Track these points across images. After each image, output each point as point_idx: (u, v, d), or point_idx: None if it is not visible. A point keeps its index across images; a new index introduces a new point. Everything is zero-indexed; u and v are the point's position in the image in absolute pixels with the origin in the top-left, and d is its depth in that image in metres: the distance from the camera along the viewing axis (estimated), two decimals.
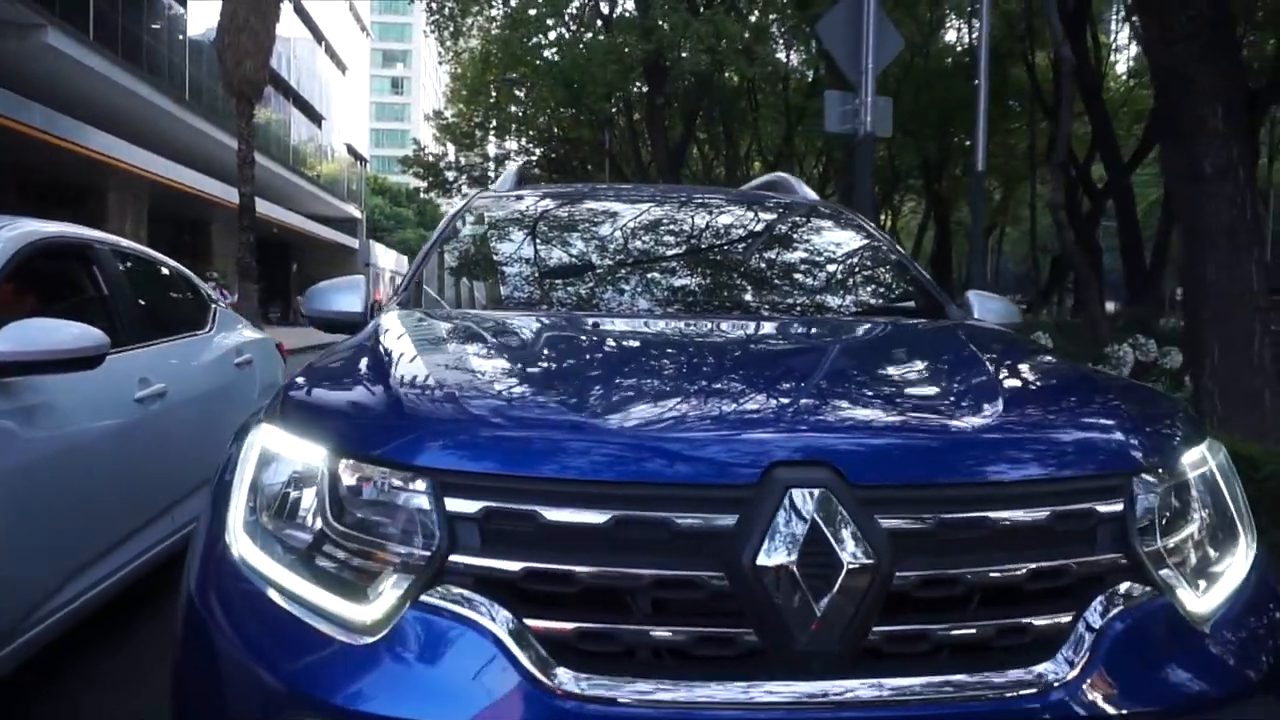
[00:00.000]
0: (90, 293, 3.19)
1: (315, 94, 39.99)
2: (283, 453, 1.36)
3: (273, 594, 1.25)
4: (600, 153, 26.73)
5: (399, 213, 64.64)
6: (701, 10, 18.22)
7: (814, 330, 2.09)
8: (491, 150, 30.18)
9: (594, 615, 1.16)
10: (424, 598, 1.18)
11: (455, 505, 1.20)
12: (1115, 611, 1.21)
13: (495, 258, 2.67)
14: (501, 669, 1.12)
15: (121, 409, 2.87)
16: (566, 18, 21.26)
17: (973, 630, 1.19)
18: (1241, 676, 1.25)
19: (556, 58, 20.51)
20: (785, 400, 1.41)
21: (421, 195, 44.03)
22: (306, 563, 1.27)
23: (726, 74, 20.30)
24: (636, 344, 1.87)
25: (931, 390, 1.58)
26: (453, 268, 2.65)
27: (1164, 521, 1.31)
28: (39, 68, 17.55)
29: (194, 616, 1.32)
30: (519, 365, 1.57)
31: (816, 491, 1.16)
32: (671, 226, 2.81)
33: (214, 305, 4.23)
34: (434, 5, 20.85)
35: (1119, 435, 1.36)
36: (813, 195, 3.27)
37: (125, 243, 3.66)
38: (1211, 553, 1.37)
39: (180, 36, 25.41)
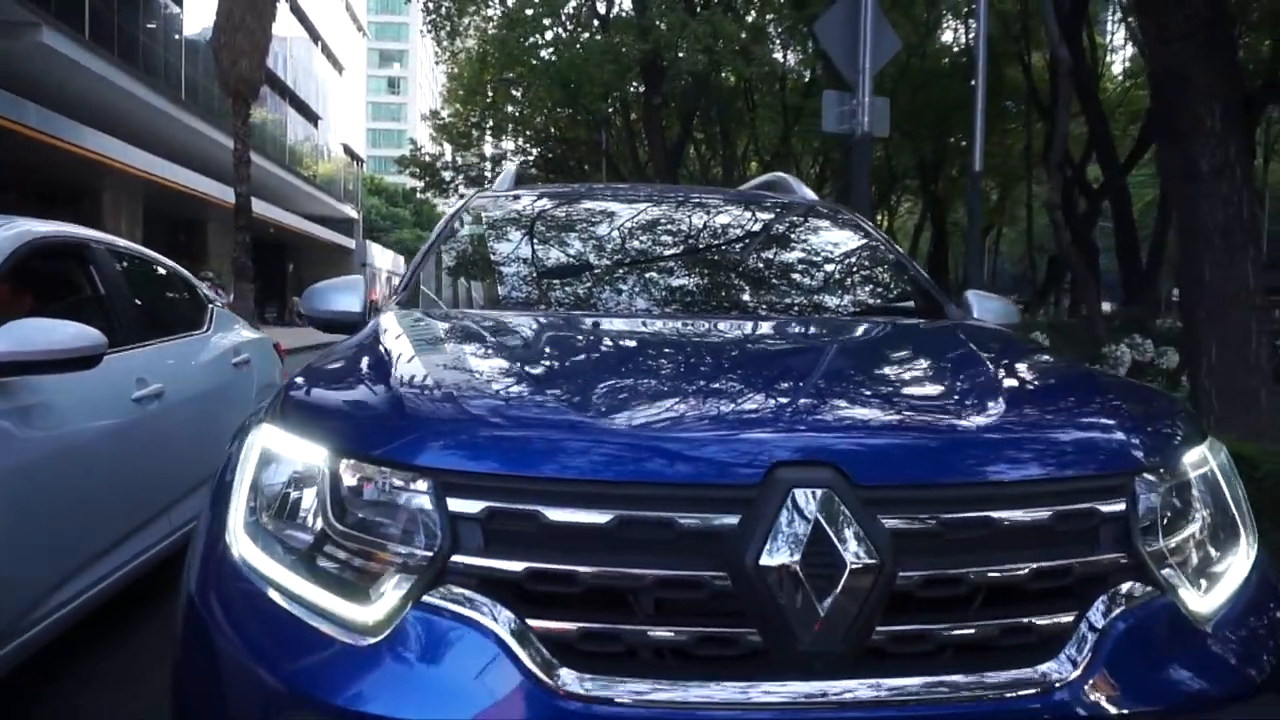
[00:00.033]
0: (87, 292, 3.18)
1: (312, 94, 39.94)
2: (283, 453, 1.36)
3: (273, 594, 1.25)
4: (597, 153, 26.74)
5: (395, 213, 64.61)
6: (699, 10, 18.23)
7: (815, 330, 2.08)
8: (488, 150, 30.18)
9: (597, 615, 1.16)
10: (426, 598, 1.17)
11: (457, 505, 1.19)
12: (1118, 611, 1.21)
13: (495, 257, 2.67)
14: (504, 670, 1.11)
15: (119, 409, 2.86)
16: (563, 17, 21.27)
17: (976, 630, 1.18)
18: (1244, 676, 1.25)
19: (553, 58, 20.51)
20: (787, 400, 1.40)
21: (418, 195, 44.03)
22: (307, 563, 1.27)
23: (723, 74, 20.32)
24: (639, 344, 1.86)
25: (934, 390, 1.58)
26: (452, 267, 2.65)
27: (1166, 521, 1.31)
28: (34, 67, 17.51)
29: (194, 617, 1.32)
30: (520, 365, 1.57)
31: (819, 491, 1.15)
32: (671, 226, 2.81)
33: (211, 305, 4.22)
34: (430, 5, 20.84)
35: (1121, 435, 1.36)
36: (811, 195, 3.27)
37: (122, 242, 3.65)
38: (1213, 552, 1.37)
39: (176, 36, 25.37)
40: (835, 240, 2.82)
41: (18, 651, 2.29)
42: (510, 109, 26.29)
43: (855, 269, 2.72)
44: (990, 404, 1.40)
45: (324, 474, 1.29)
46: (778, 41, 22.18)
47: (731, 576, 1.14)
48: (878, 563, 1.13)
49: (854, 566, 1.13)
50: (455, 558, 1.18)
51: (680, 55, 17.49)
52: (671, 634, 1.15)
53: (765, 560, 1.12)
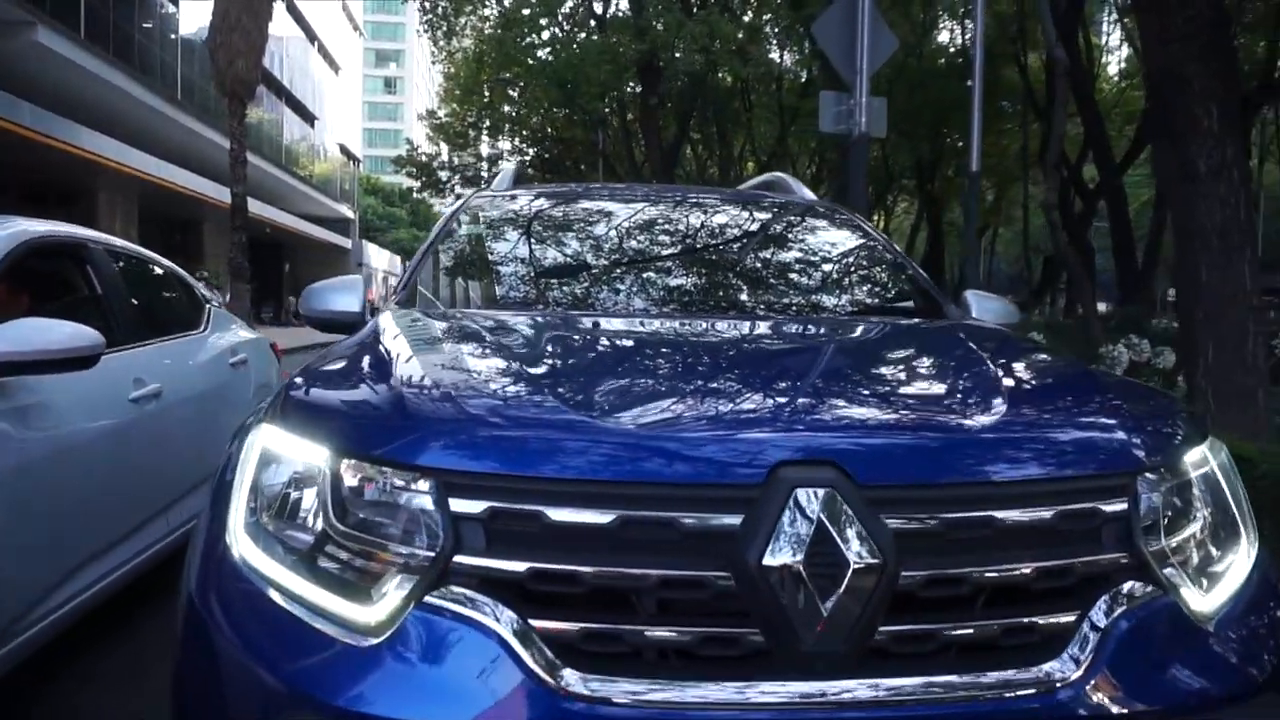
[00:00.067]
0: (84, 292, 3.18)
1: (308, 93, 39.90)
2: (284, 453, 1.35)
3: (274, 595, 1.24)
4: (594, 153, 26.72)
5: (392, 213, 64.53)
6: (695, 10, 18.23)
7: (816, 330, 2.08)
8: (485, 150, 30.13)
9: (599, 616, 1.16)
10: (428, 598, 1.17)
11: (460, 505, 1.19)
12: (1120, 611, 1.21)
13: (494, 257, 2.66)
14: (507, 670, 1.11)
15: (116, 409, 2.85)
16: (560, 17, 21.25)
17: (979, 630, 1.18)
18: (1245, 675, 1.25)
19: (550, 58, 20.50)
20: (789, 400, 1.40)
21: (414, 195, 43.97)
22: (308, 563, 1.26)
23: (720, 74, 20.33)
24: (641, 344, 1.86)
25: (936, 390, 1.58)
26: (451, 267, 2.65)
27: (1167, 521, 1.31)
28: (29, 66, 17.47)
29: (194, 617, 1.31)
30: (522, 365, 1.56)
31: (822, 491, 1.15)
32: (671, 226, 2.81)
33: (208, 305, 4.21)
34: (427, 5, 20.81)
35: (1122, 434, 1.36)
36: (810, 195, 3.27)
37: (119, 242, 3.64)
38: (1214, 552, 1.37)
39: (172, 35, 25.33)
40: (834, 240, 2.82)
41: (17, 651, 2.29)
42: (507, 109, 26.26)
43: (855, 269, 2.72)
44: (992, 404, 1.40)
45: (325, 474, 1.28)
46: (774, 42, 22.20)
47: (734, 576, 1.14)
48: (880, 562, 1.13)
49: (857, 566, 1.12)
50: (457, 558, 1.18)
51: (677, 55, 17.49)
52: (674, 634, 1.15)
53: (768, 560, 1.12)
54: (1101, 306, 16.84)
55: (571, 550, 1.16)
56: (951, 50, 24.17)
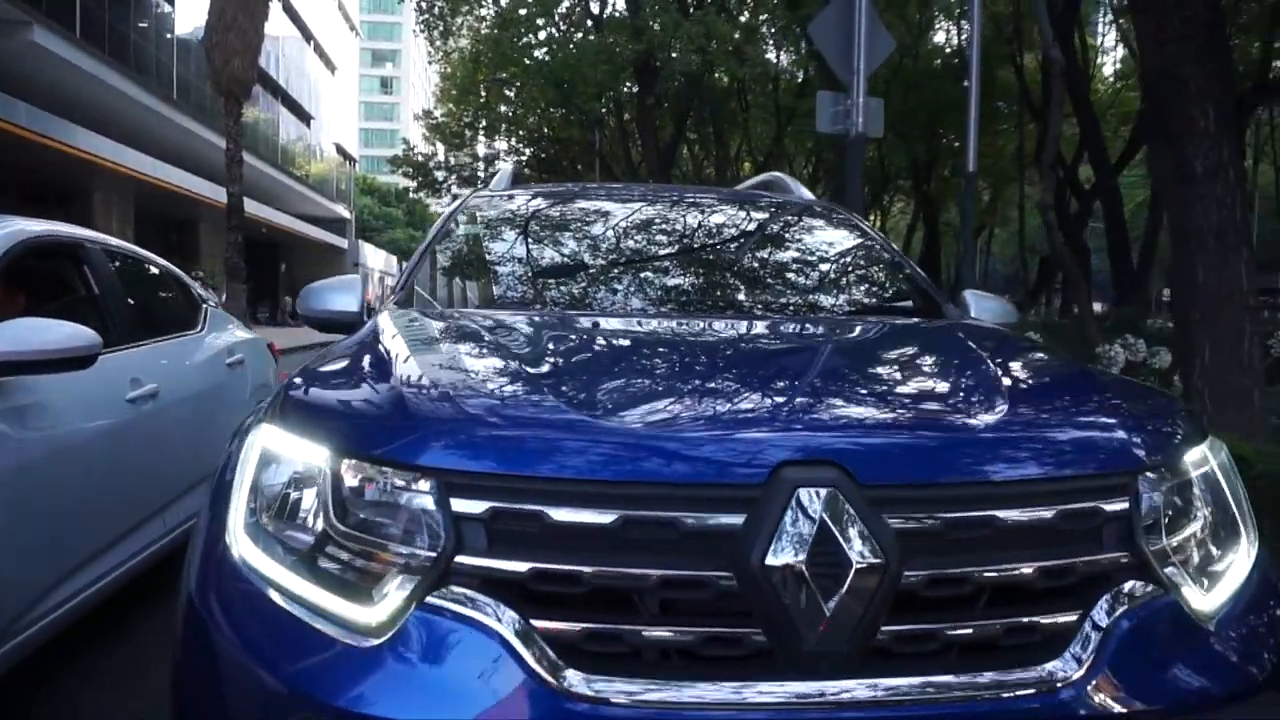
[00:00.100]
0: (81, 292, 3.17)
1: (304, 93, 39.84)
2: (284, 453, 1.35)
3: (274, 595, 1.24)
4: (590, 153, 26.70)
5: (388, 213, 64.45)
6: (692, 11, 18.24)
7: (817, 330, 2.08)
8: (481, 150, 30.10)
9: (602, 616, 1.15)
10: (429, 599, 1.16)
11: (461, 505, 1.19)
12: (1121, 610, 1.22)
13: (494, 257, 2.66)
14: (509, 671, 1.11)
15: (113, 409, 2.85)
16: (556, 17, 21.23)
17: (981, 630, 1.18)
18: (1246, 674, 1.25)
19: (546, 58, 20.48)
20: (791, 400, 1.40)
21: (411, 195, 43.87)
22: (309, 564, 1.26)
23: (717, 74, 20.32)
24: (643, 344, 1.85)
25: (937, 390, 1.58)
26: (450, 267, 2.64)
27: (1168, 520, 1.32)
28: (25, 66, 17.43)
29: (194, 617, 1.31)
30: (523, 365, 1.56)
31: (824, 491, 1.15)
32: (671, 226, 2.80)
33: (205, 305, 4.20)
34: (423, 5, 20.80)
35: (1123, 434, 1.36)
36: (808, 195, 3.27)
37: (115, 241, 3.63)
38: (1214, 551, 1.38)
39: (168, 35, 25.28)
40: (834, 240, 2.82)
41: (15, 652, 2.28)
42: (503, 109, 26.23)
43: (854, 268, 2.72)
44: (993, 403, 1.40)
45: (325, 474, 1.28)
46: (771, 42, 22.21)
47: (736, 576, 1.14)
48: (883, 562, 1.13)
49: (859, 566, 1.12)
50: (459, 558, 1.17)
51: (674, 56, 17.49)
52: (677, 634, 1.15)
53: (770, 560, 1.12)
54: (1097, 307, 16.89)
55: (573, 550, 1.16)
56: (947, 51, 24.20)
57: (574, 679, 1.11)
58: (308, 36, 40.45)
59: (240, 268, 17.78)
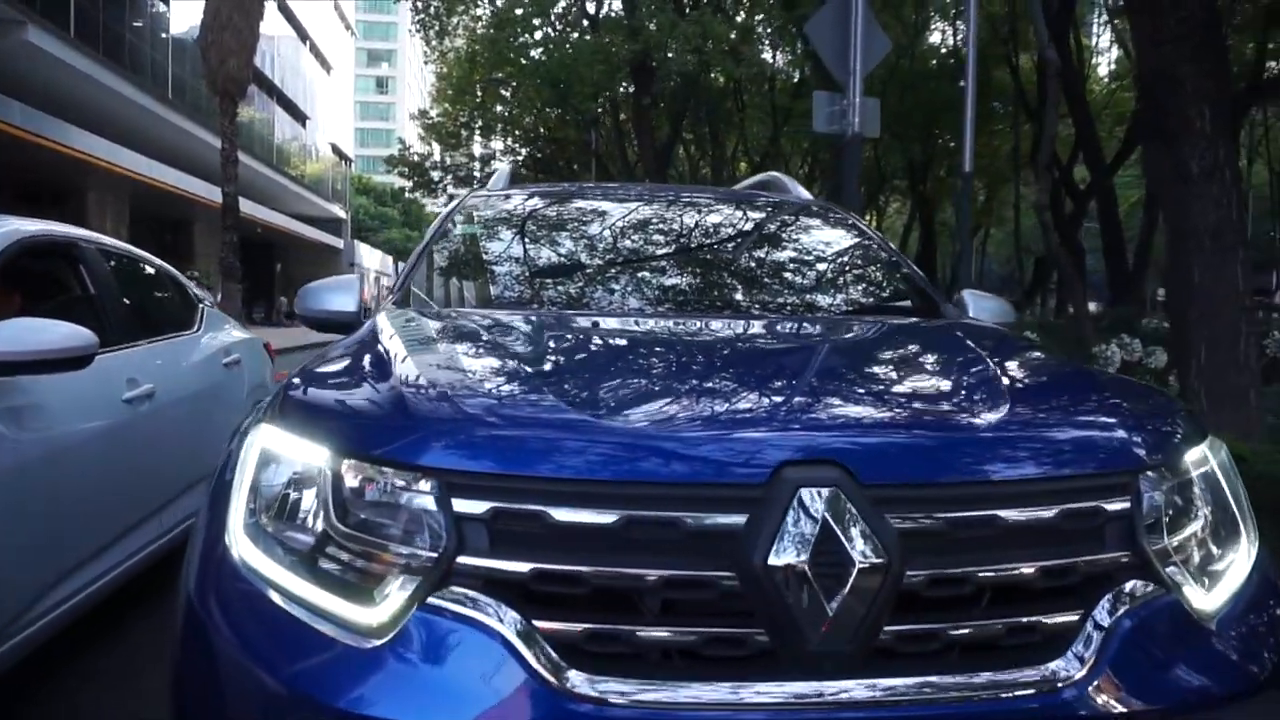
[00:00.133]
0: (77, 292, 3.16)
1: (299, 93, 39.78)
2: (283, 453, 1.34)
3: (274, 596, 1.23)
4: (586, 153, 26.71)
5: (384, 213, 64.37)
6: (688, 11, 18.25)
7: (817, 329, 2.08)
8: (477, 150, 30.08)
9: (604, 616, 1.15)
10: (431, 600, 1.16)
11: (462, 506, 1.18)
12: (1123, 610, 1.22)
13: (493, 257, 2.65)
14: (511, 672, 1.10)
15: (110, 410, 2.83)
16: (552, 17, 21.23)
17: (983, 629, 1.18)
18: (1248, 673, 1.26)
19: (543, 57, 20.48)
20: (792, 399, 1.40)
21: (406, 195, 43.84)
22: (309, 565, 1.25)
23: (713, 74, 20.34)
24: (644, 344, 1.85)
25: (938, 389, 1.58)
26: (449, 267, 2.64)
27: (1169, 519, 1.32)
28: (19, 65, 17.37)
29: (193, 618, 1.30)
30: (524, 365, 1.55)
31: (826, 491, 1.15)
32: (671, 226, 2.80)
33: (201, 305, 4.19)
34: (419, 5, 20.77)
35: (1124, 433, 1.36)
36: (806, 194, 3.27)
37: (111, 241, 3.62)
38: (1215, 550, 1.38)
39: (163, 34, 25.23)
40: (833, 239, 2.82)
41: (13, 652, 2.27)
42: (499, 109, 26.23)
43: (853, 268, 2.72)
44: (995, 403, 1.40)
45: (325, 474, 1.27)
46: (767, 42, 22.23)
47: (739, 577, 1.14)
48: (885, 562, 1.13)
49: (862, 566, 1.12)
50: (461, 559, 1.17)
51: (670, 55, 17.50)
52: (679, 635, 1.15)
53: (773, 560, 1.12)
54: (1092, 307, 16.92)
55: (575, 550, 1.16)
56: (943, 51, 24.24)
57: (576, 679, 1.11)
58: (303, 36, 40.39)
59: (235, 268, 17.75)
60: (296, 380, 1.53)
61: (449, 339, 1.82)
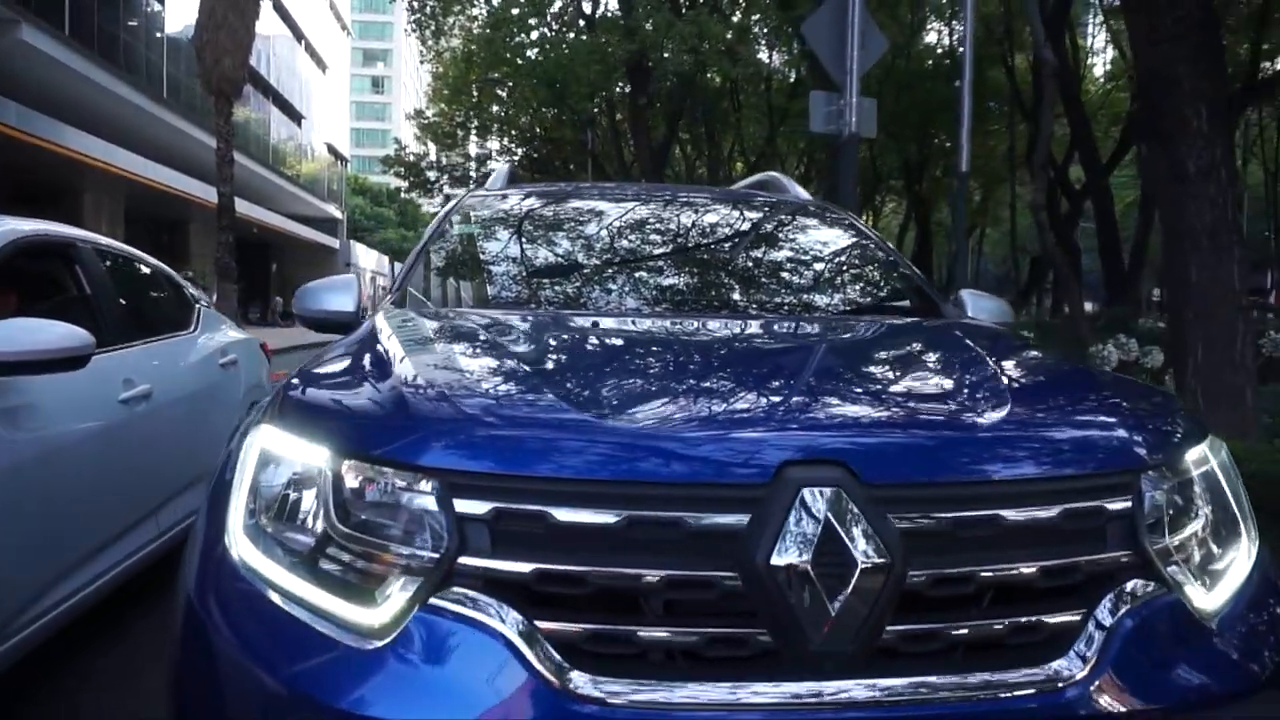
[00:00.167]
0: (73, 292, 3.15)
1: (295, 92, 39.71)
2: (283, 454, 1.34)
3: (274, 597, 1.23)
4: (583, 153, 26.69)
5: (380, 213, 64.31)
6: (684, 10, 18.25)
7: (818, 329, 2.08)
8: (473, 150, 30.07)
9: (606, 617, 1.15)
10: (432, 600, 1.16)
11: (464, 506, 1.18)
12: (1125, 609, 1.21)
13: (493, 256, 2.64)
14: (513, 672, 1.10)
15: (106, 410, 2.82)
16: (549, 17, 21.22)
17: (986, 629, 1.18)
18: (1249, 673, 1.26)
19: (539, 57, 20.47)
20: (794, 399, 1.40)
21: (403, 195, 43.82)
22: (309, 565, 1.25)
23: (709, 74, 20.35)
24: (647, 344, 1.85)
25: (940, 389, 1.58)
26: (448, 267, 2.63)
27: (1170, 519, 1.32)
28: (13, 65, 17.32)
29: (193, 619, 1.30)
30: (525, 365, 1.55)
31: (828, 490, 1.15)
32: (671, 225, 2.80)
33: (197, 305, 4.17)
34: (415, 4, 20.74)
35: (1125, 432, 1.37)
36: (804, 194, 3.27)
37: (107, 241, 3.61)
38: (1215, 549, 1.38)
39: (158, 34, 25.16)
40: (832, 239, 2.82)
41: (12, 652, 2.27)
42: (495, 109, 26.22)
43: (853, 268, 2.72)
44: (997, 402, 1.40)
45: (325, 475, 1.27)
46: (763, 42, 22.24)
47: (741, 577, 1.13)
48: (888, 562, 1.13)
49: (864, 566, 1.12)
50: (462, 559, 1.16)
51: (666, 55, 17.50)
52: (682, 635, 1.14)
53: (775, 560, 1.12)
54: (1087, 307, 16.97)
55: (577, 551, 1.15)
56: (939, 51, 24.29)
57: (579, 680, 1.10)
58: (299, 36, 40.32)
59: (231, 268, 17.71)
60: (296, 380, 1.53)
61: (448, 339, 1.81)
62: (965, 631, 1.18)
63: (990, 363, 1.65)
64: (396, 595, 1.17)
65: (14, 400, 2.33)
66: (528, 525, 1.17)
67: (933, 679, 1.14)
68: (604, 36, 18.70)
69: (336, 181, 50.07)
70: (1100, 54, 29.33)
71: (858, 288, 2.64)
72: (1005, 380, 1.55)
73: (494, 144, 29.63)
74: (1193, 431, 1.46)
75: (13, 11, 16.29)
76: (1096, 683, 1.15)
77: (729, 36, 18.43)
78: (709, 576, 1.14)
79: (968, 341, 1.86)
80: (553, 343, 1.77)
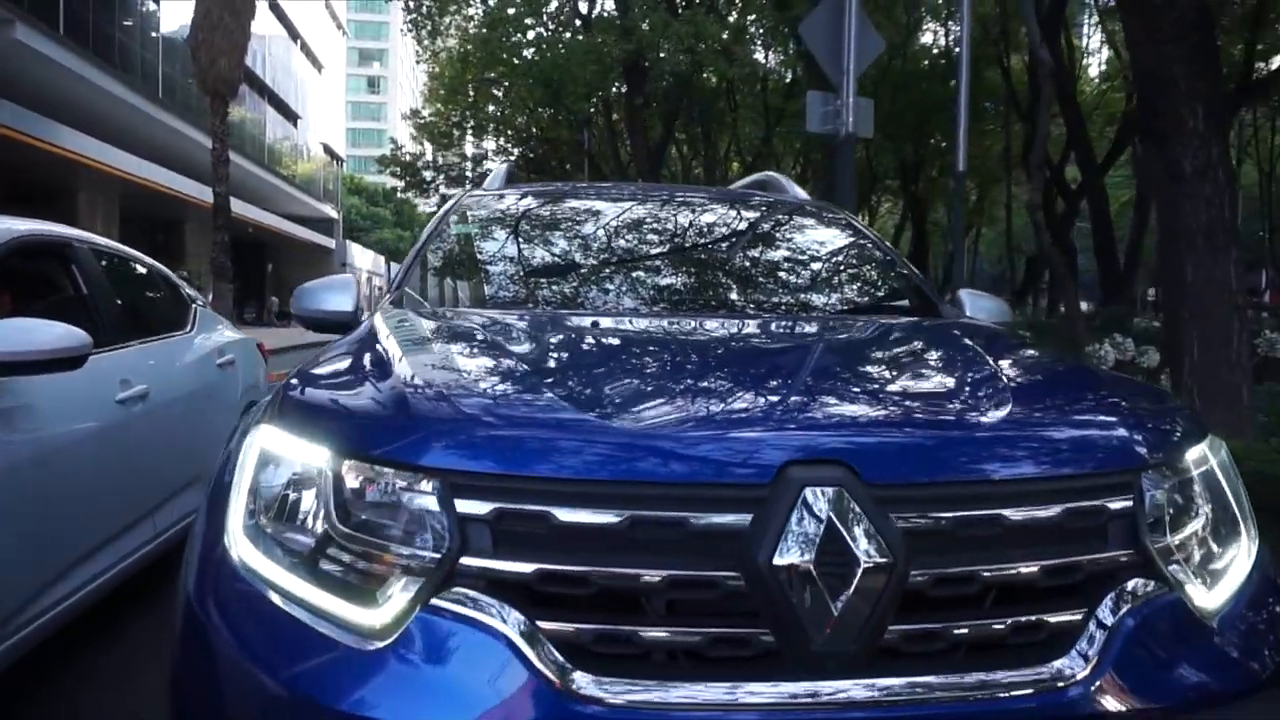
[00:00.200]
0: (69, 292, 3.13)
1: (291, 92, 39.65)
2: (283, 454, 1.33)
3: (275, 598, 1.22)
4: (579, 153, 26.70)
5: (376, 212, 64.22)
6: (681, 11, 18.25)
7: (818, 328, 2.08)
8: (469, 150, 30.04)
9: (608, 617, 1.15)
10: (434, 601, 1.15)
11: (465, 507, 1.17)
12: (1126, 608, 1.22)
13: (493, 256, 2.64)
14: (516, 673, 1.10)
15: (103, 411, 2.81)
16: (545, 17, 21.21)
17: (988, 628, 1.18)
18: (1249, 671, 1.26)
19: (535, 57, 20.45)
20: (796, 398, 1.40)
21: (399, 195, 43.78)
22: (310, 566, 1.24)
23: (705, 75, 20.35)
24: (649, 344, 1.84)
25: (942, 388, 1.58)
26: (447, 266, 2.62)
27: (1170, 517, 1.32)
28: (7, 64, 17.27)
29: (193, 619, 1.29)
30: (527, 364, 1.54)
31: (831, 490, 1.15)
32: (671, 225, 2.80)
33: (194, 305, 4.16)
34: (411, 4, 20.71)
35: (1126, 431, 1.37)
36: (803, 194, 3.27)
37: (104, 241, 3.59)
38: (1215, 548, 1.38)
39: (153, 33, 25.11)
40: (832, 239, 2.82)
41: (11, 651, 2.26)
42: (492, 109, 26.19)
43: (853, 268, 2.73)
44: (998, 402, 1.40)
45: (326, 475, 1.26)
46: (759, 42, 22.25)
47: (744, 577, 1.13)
48: (890, 561, 1.13)
49: (866, 565, 1.12)
50: (464, 560, 1.16)
51: (662, 55, 17.51)
52: (684, 635, 1.14)
53: (778, 560, 1.12)
54: (1083, 306, 17.01)
55: (580, 551, 1.15)
56: (935, 52, 24.32)
57: (581, 681, 1.10)
58: (294, 35, 40.25)
59: (227, 268, 17.69)
60: (295, 380, 1.52)
61: (448, 339, 1.81)
62: (967, 631, 1.18)
63: (991, 362, 1.65)
64: (398, 596, 1.17)
65: (10, 401, 2.32)
66: (530, 525, 1.16)
67: (935, 679, 1.14)
68: (600, 36, 18.69)
69: (332, 181, 50.00)
70: (1095, 54, 29.43)
71: (857, 287, 2.64)
72: (1006, 380, 1.55)
73: (490, 144, 29.63)
74: (1193, 430, 1.46)
75: (7, 10, 16.24)
76: (1098, 682, 1.15)
77: (725, 36, 18.43)
78: (711, 576, 1.14)
79: (968, 341, 1.86)
80: (554, 342, 1.77)
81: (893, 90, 19.98)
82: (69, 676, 2.75)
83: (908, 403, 1.46)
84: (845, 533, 1.13)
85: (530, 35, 20.91)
